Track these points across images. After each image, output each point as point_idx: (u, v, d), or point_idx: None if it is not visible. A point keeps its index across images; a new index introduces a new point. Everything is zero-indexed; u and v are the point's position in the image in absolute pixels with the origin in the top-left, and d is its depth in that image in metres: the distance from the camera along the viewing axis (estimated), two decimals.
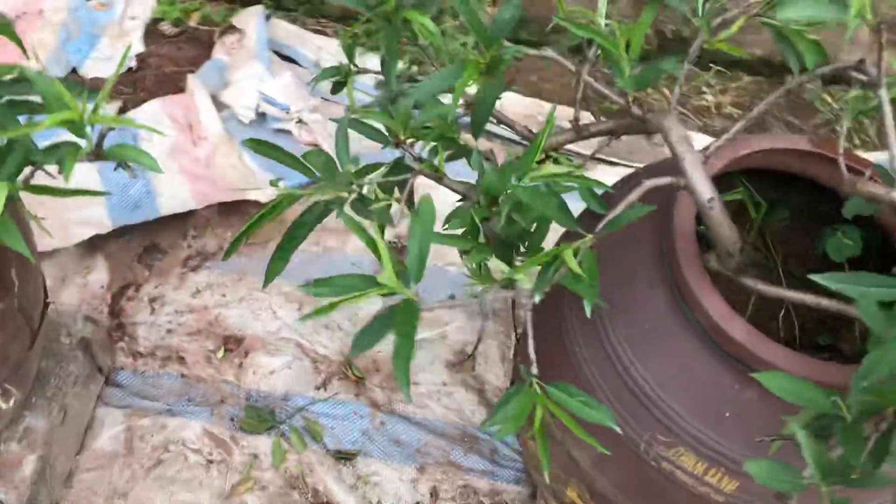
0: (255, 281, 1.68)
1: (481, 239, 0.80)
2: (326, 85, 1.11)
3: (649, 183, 0.76)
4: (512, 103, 1.93)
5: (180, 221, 1.74)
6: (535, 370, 0.74)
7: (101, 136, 0.79)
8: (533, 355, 0.75)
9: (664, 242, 0.83)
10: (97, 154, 0.76)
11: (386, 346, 1.56)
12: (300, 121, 1.82)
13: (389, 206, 0.79)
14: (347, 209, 0.77)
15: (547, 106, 1.97)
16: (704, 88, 2.06)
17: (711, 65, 2.05)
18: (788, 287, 0.81)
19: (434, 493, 1.44)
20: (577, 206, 0.84)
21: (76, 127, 0.72)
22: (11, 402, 1.14)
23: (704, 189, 0.70)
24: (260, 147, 0.86)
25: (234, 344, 1.60)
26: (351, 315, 1.64)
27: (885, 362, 0.54)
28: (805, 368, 0.71)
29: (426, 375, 1.57)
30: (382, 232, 0.82)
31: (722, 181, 0.91)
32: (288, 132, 1.83)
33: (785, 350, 0.73)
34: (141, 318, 1.62)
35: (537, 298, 0.74)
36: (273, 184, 0.83)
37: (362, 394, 1.55)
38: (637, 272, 0.86)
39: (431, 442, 1.49)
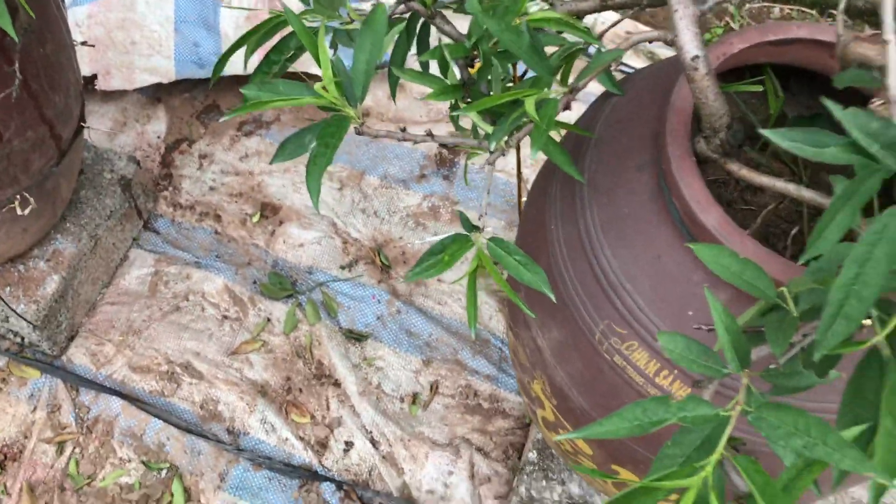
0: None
1: (450, 81, 0.74)
2: None
3: (637, 37, 0.67)
4: None
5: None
6: (482, 224, 0.68)
7: None
8: (484, 209, 0.69)
9: (659, 121, 0.74)
10: None
11: (419, 240, 1.53)
12: None
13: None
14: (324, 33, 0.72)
15: None
16: None
17: None
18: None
19: (434, 387, 1.41)
20: None
21: None
22: (27, 211, 1.17)
23: (690, 46, 0.61)
24: None
25: (270, 211, 1.61)
26: (389, 202, 1.61)
27: (831, 231, 0.46)
28: (771, 265, 0.62)
29: (451, 274, 1.53)
30: (335, 47, 0.77)
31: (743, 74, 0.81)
32: None
33: (758, 245, 0.64)
34: (188, 171, 1.65)
35: (492, 146, 0.68)
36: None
37: (385, 281, 1.53)
38: (629, 153, 0.77)
39: (442, 338, 1.46)
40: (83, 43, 1.26)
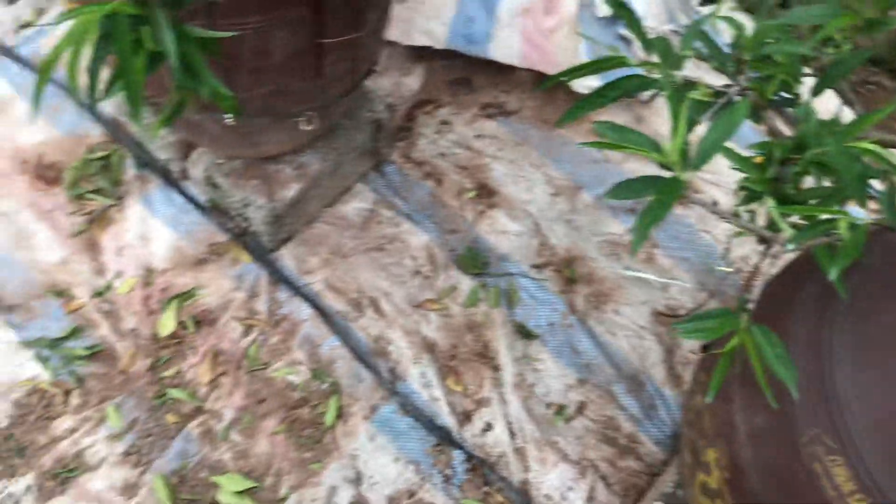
0: (532, 152, 1.77)
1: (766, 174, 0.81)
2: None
3: None
4: None
5: (498, 72, 1.85)
6: (751, 306, 0.76)
7: None
8: (757, 295, 0.76)
9: None
10: None
11: (610, 269, 1.60)
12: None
13: (707, 104, 0.81)
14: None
15: None
16: None
17: None
18: None
19: (581, 407, 1.49)
20: None
21: None
22: (309, 128, 1.32)
23: None
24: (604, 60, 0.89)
25: (486, 193, 1.72)
26: (594, 223, 1.69)
27: None
28: None
29: (630, 311, 1.60)
30: (690, 125, 0.85)
31: None
32: (630, 41, 1.86)
33: None
34: (426, 132, 1.78)
35: (791, 246, 0.75)
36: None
37: (567, 293, 1.61)
38: (891, 287, 0.82)
39: (603, 366, 1.53)
40: None
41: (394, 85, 1.80)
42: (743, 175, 0.80)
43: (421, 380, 1.49)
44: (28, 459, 1.37)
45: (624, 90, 0.88)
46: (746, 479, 0.91)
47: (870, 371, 0.80)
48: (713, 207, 0.76)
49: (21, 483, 1.36)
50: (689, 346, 1.57)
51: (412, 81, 1.83)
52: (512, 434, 1.45)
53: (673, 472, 1.36)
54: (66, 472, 1.37)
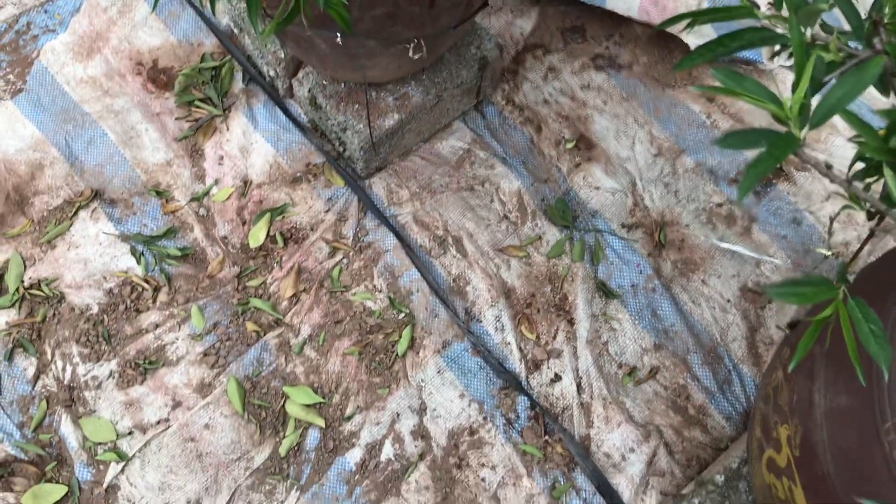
0: (639, 108, 1.72)
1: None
2: None
3: None
4: None
5: (613, 23, 1.80)
6: (851, 278, 0.72)
7: None
8: (861, 269, 0.73)
9: None
10: None
11: (703, 237, 1.55)
12: None
13: (835, 65, 0.77)
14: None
15: None
16: None
17: None
18: None
19: (653, 372, 1.47)
20: None
21: None
22: (416, 56, 1.31)
23: None
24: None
25: (584, 145, 1.68)
26: (693, 188, 1.64)
27: None
28: None
29: (717, 282, 1.55)
30: (815, 87, 0.81)
31: None
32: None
33: None
34: (532, 76, 1.75)
35: None
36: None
37: (654, 256, 1.57)
38: None
39: (682, 334, 1.50)
40: None
41: (505, 25, 1.77)
42: (860, 146, 0.75)
43: (495, 323, 1.49)
44: (114, 346, 1.45)
45: (747, 41, 0.83)
46: (818, 460, 0.88)
47: None
48: (826, 170, 0.72)
49: (105, 367, 1.43)
50: (774, 325, 1.51)
51: (524, 23, 1.79)
52: (580, 388, 1.44)
53: (740, 448, 1.33)
54: (147, 364, 1.43)
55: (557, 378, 1.46)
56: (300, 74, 1.60)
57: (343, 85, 1.54)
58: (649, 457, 1.39)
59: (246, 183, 1.60)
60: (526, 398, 1.43)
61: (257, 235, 1.54)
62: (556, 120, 1.70)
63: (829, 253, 1.57)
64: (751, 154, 1.66)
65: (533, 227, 1.59)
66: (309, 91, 1.57)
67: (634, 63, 1.77)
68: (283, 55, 1.60)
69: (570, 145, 1.68)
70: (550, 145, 1.68)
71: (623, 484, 1.37)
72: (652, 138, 1.69)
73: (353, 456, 1.37)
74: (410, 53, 1.32)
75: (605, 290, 1.54)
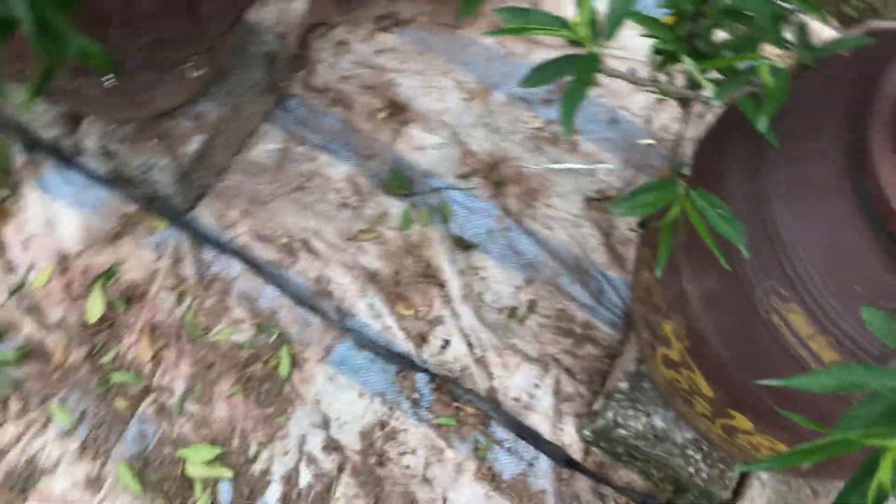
0: (436, 59, 1.71)
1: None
2: None
3: (875, 23, 0.71)
4: None
5: None
6: (686, 171, 0.74)
7: None
8: (691, 159, 0.74)
9: (859, 100, 0.78)
10: None
11: (535, 163, 1.57)
12: None
13: None
14: None
15: None
16: None
17: None
18: None
19: (532, 306, 1.49)
20: None
21: None
22: (199, 73, 1.23)
23: None
24: None
25: (397, 110, 1.66)
26: (512, 121, 1.66)
27: None
28: None
29: (562, 202, 1.58)
30: None
31: None
32: None
33: None
34: (324, 56, 1.69)
35: (716, 102, 0.72)
36: None
37: (497, 196, 1.58)
38: (820, 126, 0.81)
39: (546, 261, 1.52)
40: None
41: (279, 12, 1.70)
42: (655, 40, 0.76)
43: (370, 312, 1.46)
44: None
45: None
46: (707, 345, 0.92)
47: (809, 213, 0.80)
48: (632, 77, 0.73)
49: None
50: (626, 226, 1.57)
51: (298, 5, 1.73)
52: (470, 346, 1.44)
53: (632, 350, 1.37)
54: (23, 482, 1.31)
55: (446, 343, 1.45)
56: (83, 127, 1.47)
57: (132, 125, 1.43)
58: (554, 387, 1.41)
59: (63, 257, 1.47)
60: (423, 374, 1.42)
61: (94, 308, 1.42)
62: (362, 93, 1.66)
63: (652, 142, 1.63)
64: None
65: (375, 206, 1.56)
66: (98, 141, 1.44)
67: (419, 15, 1.75)
68: (57, 112, 1.47)
69: (383, 115, 1.65)
70: (364, 120, 1.64)
71: (538, 421, 1.39)
72: (459, 84, 1.69)
73: (273, 493, 1.32)
74: (191, 73, 1.24)
75: (463, 244, 1.54)
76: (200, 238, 1.50)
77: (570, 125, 0.64)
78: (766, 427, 0.93)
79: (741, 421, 0.95)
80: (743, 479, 1.30)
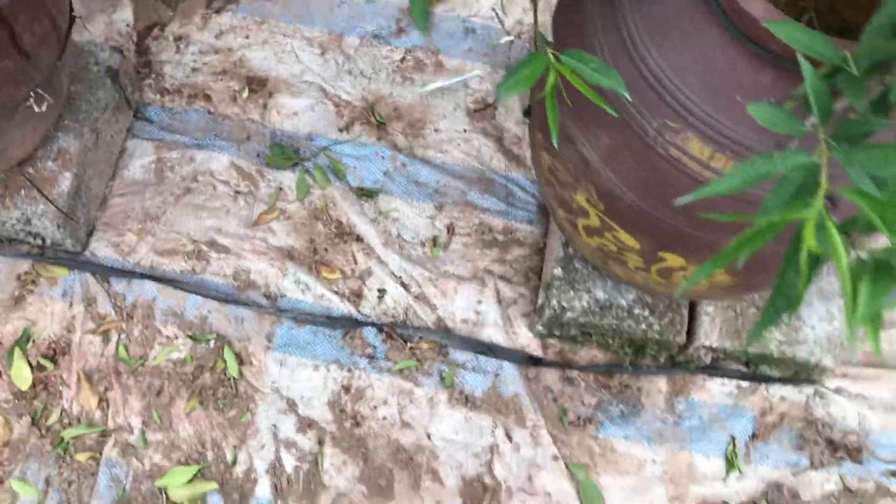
0: (278, 24, 1.67)
1: None
2: None
3: None
4: None
5: None
6: (549, 37, 0.75)
7: None
8: (550, 25, 0.76)
9: None
10: None
11: (409, 94, 1.58)
12: None
13: None
14: None
15: None
16: None
17: None
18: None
19: (451, 229, 1.50)
20: None
21: None
22: (44, 107, 1.17)
23: None
24: None
25: (257, 85, 1.62)
26: (373, 61, 1.64)
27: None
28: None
29: (447, 122, 1.59)
30: None
31: None
32: None
33: (802, 27, 0.73)
34: (166, 56, 1.63)
35: None
36: None
37: (384, 137, 1.58)
38: None
39: (450, 184, 1.54)
40: None
41: (106, 26, 1.62)
42: None
43: (297, 287, 1.45)
44: None
45: None
46: (620, 200, 0.95)
47: (677, 43, 0.83)
48: None
49: None
50: (515, 128, 1.59)
51: (122, 14, 1.65)
52: (405, 287, 1.45)
53: (555, 238, 1.40)
54: None
55: (382, 292, 1.45)
56: None
57: None
58: (495, 297, 1.44)
59: None
60: (370, 328, 1.42)
61: (21, 375, 1.36)
62: (217, 79, 1.62)
63: (512, 38, 1.65)
64: None
65: (268, 185, 1.53)
66: None
67: None
68: None
69: (245, 94, 1.61)
70: (229, 105, 1.60)
71: (492, 333, 1.42)
72: (308, 41, 1.66)
73: (263, 489, 1.31)
74: (36, 109, 1.18)
75: (366, 193, 1.53)
76: (105, 272, 1.44)
77: (423, 24, 0.64)
78: (697, 258, 0.97)
79: (673, 259, 0.99)
80: (692, 320, 1.36)
